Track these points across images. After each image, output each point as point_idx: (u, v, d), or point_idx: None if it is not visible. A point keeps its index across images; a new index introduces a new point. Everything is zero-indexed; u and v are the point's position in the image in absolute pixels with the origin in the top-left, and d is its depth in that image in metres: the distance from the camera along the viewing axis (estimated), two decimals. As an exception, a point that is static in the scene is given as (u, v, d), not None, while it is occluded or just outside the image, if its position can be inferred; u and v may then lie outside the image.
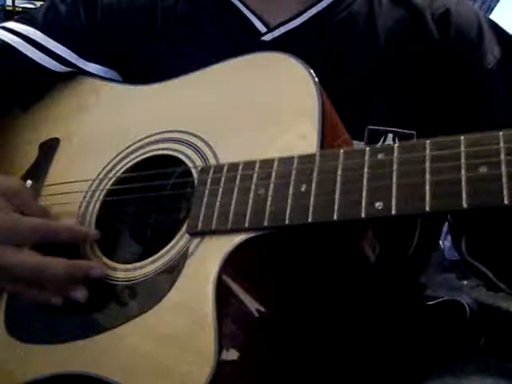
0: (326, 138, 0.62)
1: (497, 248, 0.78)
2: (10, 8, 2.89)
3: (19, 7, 2.89)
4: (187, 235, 0.65)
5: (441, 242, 0.93)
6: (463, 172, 0.52)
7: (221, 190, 0.63)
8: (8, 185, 0.72)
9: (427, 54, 0.81)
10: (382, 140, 0.79)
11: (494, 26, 0.83)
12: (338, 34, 0.82)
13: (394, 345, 0.79)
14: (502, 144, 0.51)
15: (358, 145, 0.75)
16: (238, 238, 0.60)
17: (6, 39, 0.88)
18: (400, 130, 0.79)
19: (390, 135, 0.79)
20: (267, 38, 0.83)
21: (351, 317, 0.73)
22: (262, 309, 0.63)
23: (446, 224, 0.91)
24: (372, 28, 0.82)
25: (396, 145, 0.57)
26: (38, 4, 2.88)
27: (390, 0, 0.84)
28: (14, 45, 0.88)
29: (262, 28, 0.83)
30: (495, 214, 0.62)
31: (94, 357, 0.65)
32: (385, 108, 0.80)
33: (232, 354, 0.59)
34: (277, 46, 0.80)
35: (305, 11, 0.83)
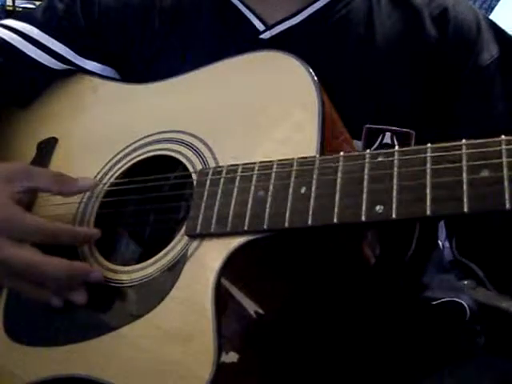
0: (326, 136, 0.62)
1: (488, 247, 0.78)
2: (10, 8, 2.87)
3: (19, 7, 2.88)
4: (186, 237, 0.64)
5: (440, 242, 0.93)
6: (464, 175, 0.51)
7: (220, 191, 0.63)
8: (14, 168, 0.72)
9: (425, 53, 0.81)
10: (379, 139, 0.78)
11: (493, 26, 0.83)
12: (336, 32, 0.82)
13: (394, 345, 0.79)
14: (503, 146, 0.50)
15: (355, 143, 0.75)
16: (238, 241, 0.60)
17: (4, 36, 0.88)
18: (398, 129, 0.78)
19: (388, 134, 0.78)
20: (265, 36, 0.82)
21: (351, 318, 0.73)
22: (262, 311, 0.62)
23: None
24: (370, 26, 0.82)
25: (396, 147, 0.56)
26: (38, 4, 2.87)
27: None
28: (11, 42, 0.88)
29: (260, 26, 0.83)
30: (495, 216, 0.62)
31: (94, 359, 0.65)
32: (383, 106, 0.80)
33: (232, 356, 0.59)
34: (275, 44, 0.80)
35: (303, 9, 0.83)
